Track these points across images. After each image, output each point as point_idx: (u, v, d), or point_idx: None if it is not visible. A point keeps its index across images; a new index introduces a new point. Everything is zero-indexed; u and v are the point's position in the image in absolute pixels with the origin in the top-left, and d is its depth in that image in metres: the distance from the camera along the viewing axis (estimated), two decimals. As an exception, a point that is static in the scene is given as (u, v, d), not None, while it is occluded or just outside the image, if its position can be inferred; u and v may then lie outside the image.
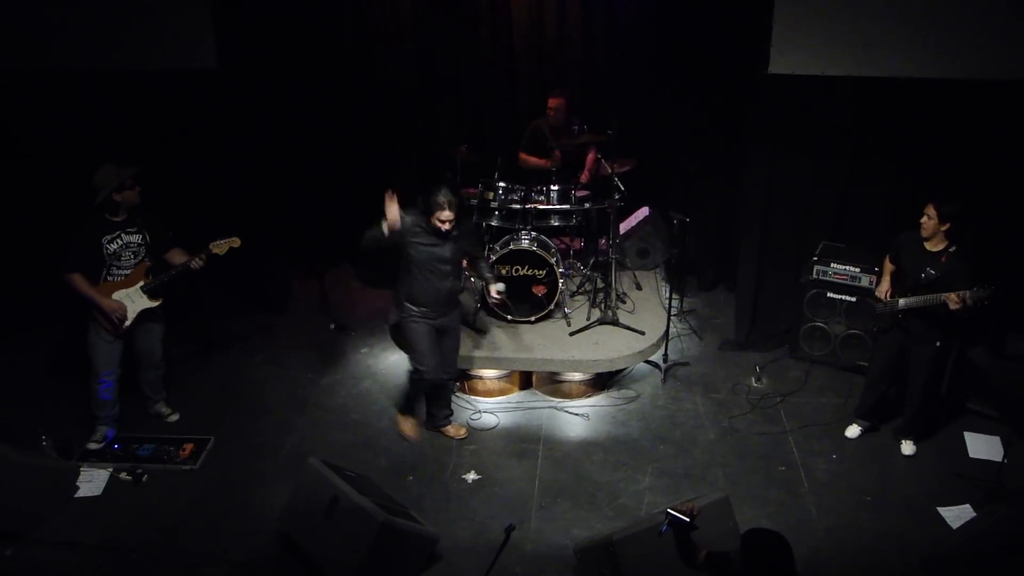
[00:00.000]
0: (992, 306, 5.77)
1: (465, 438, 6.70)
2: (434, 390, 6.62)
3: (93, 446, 6.36)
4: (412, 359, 6.41)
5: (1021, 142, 6.75)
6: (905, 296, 6.07)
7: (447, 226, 5.93)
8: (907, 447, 6.48)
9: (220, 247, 6.26)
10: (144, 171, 6.15)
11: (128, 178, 6.02)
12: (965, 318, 5.80)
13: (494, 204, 7.59)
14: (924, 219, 5.93)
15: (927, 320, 6.03)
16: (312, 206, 9.00)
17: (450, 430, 6.76)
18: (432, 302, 6.20)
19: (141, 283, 6.21)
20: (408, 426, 6.68)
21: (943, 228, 5.87)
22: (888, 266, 6.38)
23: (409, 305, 6.22)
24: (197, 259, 6.21)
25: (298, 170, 8.74)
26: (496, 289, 6.32)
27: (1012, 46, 6.42)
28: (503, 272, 7.31)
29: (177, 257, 6.30)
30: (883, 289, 6.33)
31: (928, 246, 5.99)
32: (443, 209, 5.87)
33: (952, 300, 5.66)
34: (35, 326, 7.87)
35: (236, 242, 6.33)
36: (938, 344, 6.09)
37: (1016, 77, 6.47)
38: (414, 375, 6.43)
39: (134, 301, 6.20)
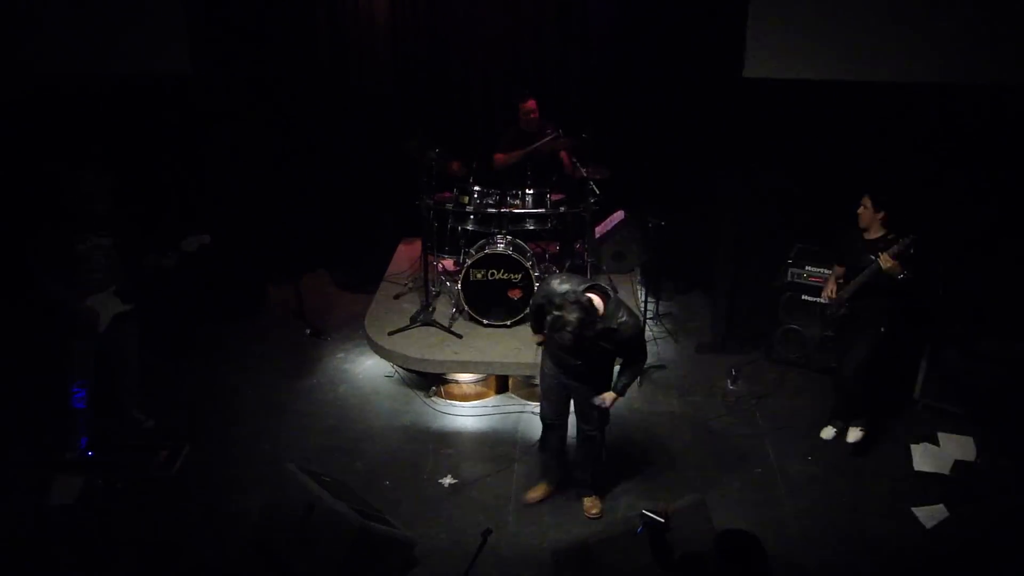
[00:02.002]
0: (964, 301, 5.89)
1: (598, 516, 5.90)
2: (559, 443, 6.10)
3: (68, 455, 6.29)
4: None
5: (996, 145, 6.81)
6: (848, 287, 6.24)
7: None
8: (851, 434, 6.55)
9: (190, 245, 6.23)
10: (118, 180, 6.10)
11: (102, 189, 5.97)
12: (904, 281, 5.91)
13: (469, 208, 7.59)
14: (860, 209, 6.13)
15: (872, 303, 6.16)
16: (287, 211, 8.98)
17: (584, 502, 6.02)
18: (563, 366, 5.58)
19: (113, 287, 6.16)
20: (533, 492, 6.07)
21: (879, 217, 6.07)
22: (837, 269, 6.50)
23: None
24: (167, 258, 6.17)
25: (272, 174, 8.72)
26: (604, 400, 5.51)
27: (987, 51, 6.49)
28: (479, 276, 7.33)
29: (149, 260, 6.24)
30: (828, 290, 6.47)
31: (868, 236, 6.16)
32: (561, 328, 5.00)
33: (883, 260, 5.82)
34: (6, 332, 7.79)
35: (206, 239, 6.28)
36: (883, 329, 6.19)
37: (991, 81, 6.55)
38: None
39: (107, 305, 6.14)
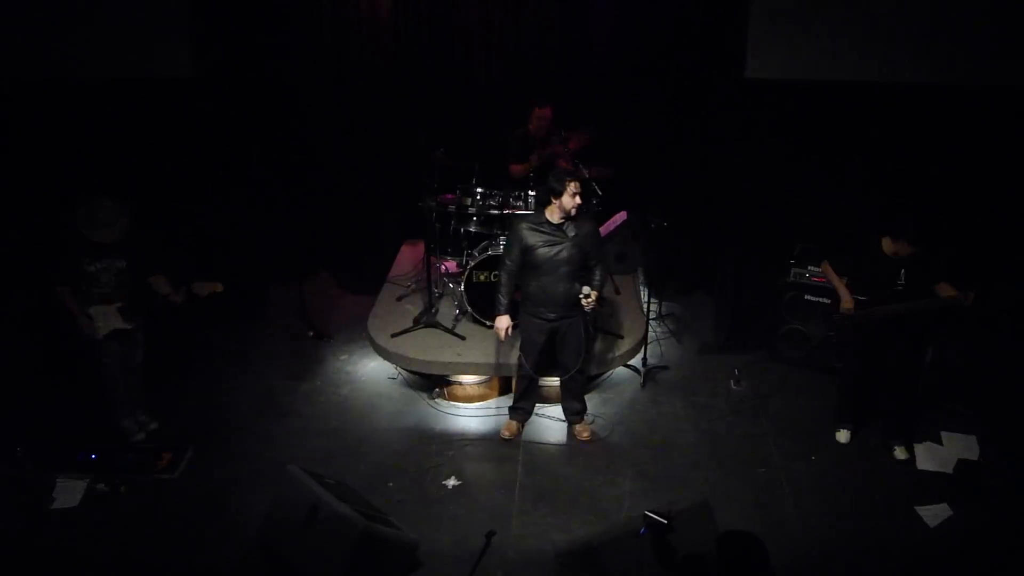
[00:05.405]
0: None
1: (589, 440, 6.69)
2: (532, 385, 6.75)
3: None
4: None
5: (996, 146, 6.81)
6: (883, 304, 6.04)
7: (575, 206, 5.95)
8: (900, 452, 6.45)
9: (201, 289, 6.28)
10: (138, 207, 6.14)
11: (117, 219, 6.02)
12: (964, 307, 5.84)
13: (472, 209, 7.58)
14: (896, 249, 5.90)
15: (905, 322, 6.05)
16: (289, 212, 8.97)
17: (576, 428, 6.77)
18: (548, 302, 6.26)
19: (119, 304, 6.21)
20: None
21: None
22: (836, 276, 6.33)
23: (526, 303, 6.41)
24: (176, 295, 6.26)
25: (275, 176, 8.71)
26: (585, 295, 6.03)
27: (985, 52, 6.49)
28: (482, 278, 7.32)
29: (160, 284, 6.33)
30: (850, 303, 6.20)
31: (889, 253, 5.99)
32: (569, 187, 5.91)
33: (967, 298, 5.72)
34: (19, 332, 7.78)
35: (218, 287, 6.32)
36: (915, 345, 6.12)
37: (990, 83, 6.54)
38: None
39: (108, 320, 6.19)
